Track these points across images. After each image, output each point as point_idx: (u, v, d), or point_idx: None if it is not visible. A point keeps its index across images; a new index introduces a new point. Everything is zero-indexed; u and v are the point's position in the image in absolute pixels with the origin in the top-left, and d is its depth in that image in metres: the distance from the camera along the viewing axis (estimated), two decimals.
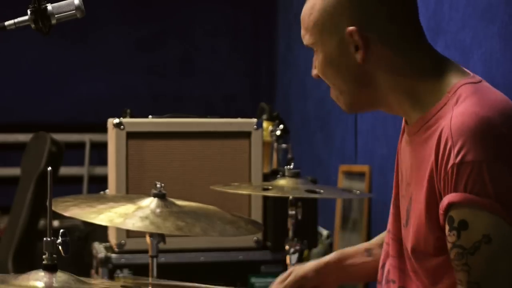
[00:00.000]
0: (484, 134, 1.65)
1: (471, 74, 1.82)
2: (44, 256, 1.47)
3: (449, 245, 1.68)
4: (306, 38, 1.87)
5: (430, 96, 1.79)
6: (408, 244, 1.82)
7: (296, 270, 2.15)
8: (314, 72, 1.90)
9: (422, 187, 1.75)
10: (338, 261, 2.14)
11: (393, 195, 1.95)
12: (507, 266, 1.64)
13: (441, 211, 1.70)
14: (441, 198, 1.71)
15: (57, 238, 1.47)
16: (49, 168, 1.49)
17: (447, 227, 1.68)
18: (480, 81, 1.80)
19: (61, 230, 1.48)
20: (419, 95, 1.80)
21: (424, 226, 1.76)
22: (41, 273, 1.46)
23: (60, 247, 1.47)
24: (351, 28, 1.79)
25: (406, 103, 1.82)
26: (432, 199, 1.73)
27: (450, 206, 1.67)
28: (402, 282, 1.88)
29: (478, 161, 1.63)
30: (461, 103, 1.72)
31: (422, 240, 1.77)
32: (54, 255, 1.47)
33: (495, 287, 1.64)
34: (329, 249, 4.49)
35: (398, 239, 1.90)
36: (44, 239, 1.47)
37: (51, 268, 1.47)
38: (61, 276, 1.46)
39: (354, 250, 2.16)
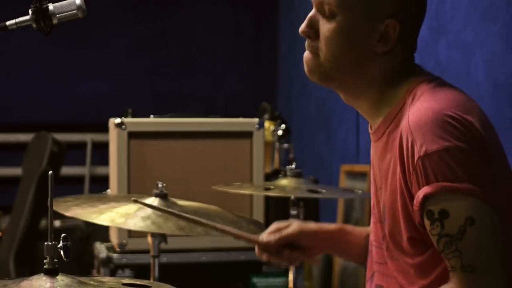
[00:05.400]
0: (441, 123, 1.68)
1: (430, 73, 1.84)
2: (45, 261, 1.46)
3: (434, 238, 1.69)
4: None
5: (392, 99, 1.82)
6: (392, 246, 1.82)
7: (297, 225, 2.11)
8: (306, 28, 1.85)
9: (394, 189, 1.77)
10: (338, 235, 2.13)
11: (371, 203, 1.95)
12: (495, 243, 1.66)
13: (416, 207, 1.71)
14: (410, 197, 1.72)
15: (58, 242, 1.47)
16: (50, 172, 1.48)
17: (427, 222, 1.69)
18: (436, 79, 1.82)
19: (63, 235, 1.48)
20: (386, 98, 1.83)
21: (400, 228, 1.77)
22: (43, 278, 1.46)
23: (61, 251, 1.47)
24: (393, 21, 1.78)
25: (376, 104, 1.84)
26: (404, 201, 1.74)
27: (426, 199, 1.68)
28: (388, 285, 1.88)
29: (442, 149, 1.66)
30: (416, 101, 1.75)
31: (403, 242, 1.78)
32: (55, 259, 1.46)
33: (488, 266, 1.66)
34: None
35: (379, 245, 1.90)
36: (45, 243, 1.46)
37: (52, 272, 1.46)
38: (63, 280, 1.45)
39: (355, 231, 2.14)
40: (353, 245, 2.12)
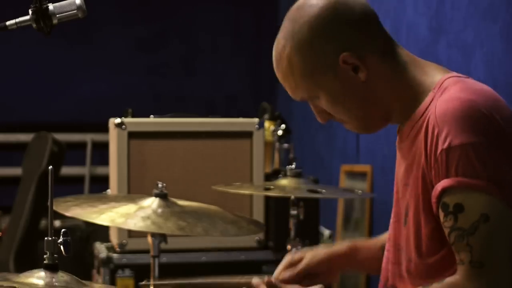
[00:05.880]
0: (468, 117, 1.68)
1: (455, 73, 1.86)
2: (45, 256, 1.47)
3: (446, 230, 1.70)
4: (300, 94, 1.90)
5: (419, 97, 1.82)
6: (410, 243, 1.83)
7: (309, 258, 2.13)
8: (321, 119, 1.92)
9: (417, 182, 1.78)
10: (350, 254, 2.14)
11: (394, 203, 1.96)
12: (506, 242, 1.67)
13: (433, 199, 1.72)
14: (432, 187, 1.73)
15: (59, 238, 1.47)
16: (50, 167, 1.48)
17: (441, 214, 1.70)
18: (465, 77, 1.84)
19: (63, 230, 1.48)
20: (411, 98, 1.84)
21: (422, 220, 1.78)
22: (42, 273, 1.46)
23: (61, 246, 1.47)
24: (343, 55, 1.82)
25: (404, 107, 1.85)
26: (426, 190, 1.75)
27: (444, 192, 1.69)
28: (400, 286, 1.88)
29: (466, 144, 1.67)
30: (445, 93, 1.76)
31: (422, 236, 1.79)
32: (55, 255, 1.47)
33: (497, 264, 1.67)
34: None
35: (398, 247, 1.90)
36: (45, 238, 1.47)
37: (52, 268, 1.46)
38: (62, 276, 1.46)
39: (369, 244, 2.15)
40: (368, 260, 2.13)
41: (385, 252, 1.98)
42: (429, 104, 1.78)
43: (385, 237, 2.15)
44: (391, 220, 1.95)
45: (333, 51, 1.82)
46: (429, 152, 1.72)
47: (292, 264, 2.15)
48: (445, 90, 1.77)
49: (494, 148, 1.68)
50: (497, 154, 1.68)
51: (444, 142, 1.68)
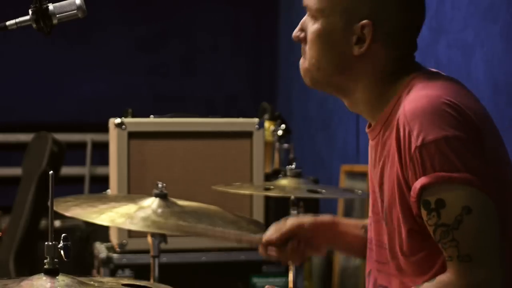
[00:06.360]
0: (438, 112, 1.67)
1: (427, 68, 1.85)
2: (45, 261, 1.46)
3: (431, 228, 1.68)
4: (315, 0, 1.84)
5: (389, 97, 1.81)
6: (395, 242, 1.81)
7: (292, 219, 2.17)
8: (298, 33, 1.88)
9: (393, 184, 1.76)
10: (332, 224, 2.15)
11: (370, 202, 1.95)
12: (491, 231, 1.66)
13: (413, 199, 1.71)
14: (408, 188, 1.71)
15: (59, 242, 1.47)
16: (51, 172, 1.48)
17: (424, 213, 1.69)
18: (432, 71, 1.83)
19: (63, 235, 1.48)
20: (384, 98, 1.83)
21: (399, 222, 1.76)
22: (43, 278, 1.46)
23: (61, 251, 1.47)
24: (367, 21, 1.78)
25: (375, 106, 1.84)
26: (401, 192, 1.74)
27: (423, 189, 1.68)
28: (390, 285, 1.87)
29: (439, 139, 1.65)
30: (412, 92, 1.75)
31: (402, 236, 1.77)
32: (55, 259, 1.46)
33: (485, 255, 1.66)
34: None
35: (381, 244, 1.89)
36: (46, 243, 1.47)
37: (52, 273, 1.46)
38: (63, 280, 1.45)
39: (350, 222, 2.17)
40: (349, 235, 2.13)
41: (368, 251, 1.96)
42: (396, 104, 1.78)
43: (366, 220, 2.15)
44: (370, 220, 1.93)
45: (365, 12, 1.78)
46: (403, 153, 1.71)
47: (277, 230, 2.16)
48: (412, 89, 1.76)
49: (467, 140, 1.67)
50: (471, 146, 1.67)
51: (417, 140, 1.67)
